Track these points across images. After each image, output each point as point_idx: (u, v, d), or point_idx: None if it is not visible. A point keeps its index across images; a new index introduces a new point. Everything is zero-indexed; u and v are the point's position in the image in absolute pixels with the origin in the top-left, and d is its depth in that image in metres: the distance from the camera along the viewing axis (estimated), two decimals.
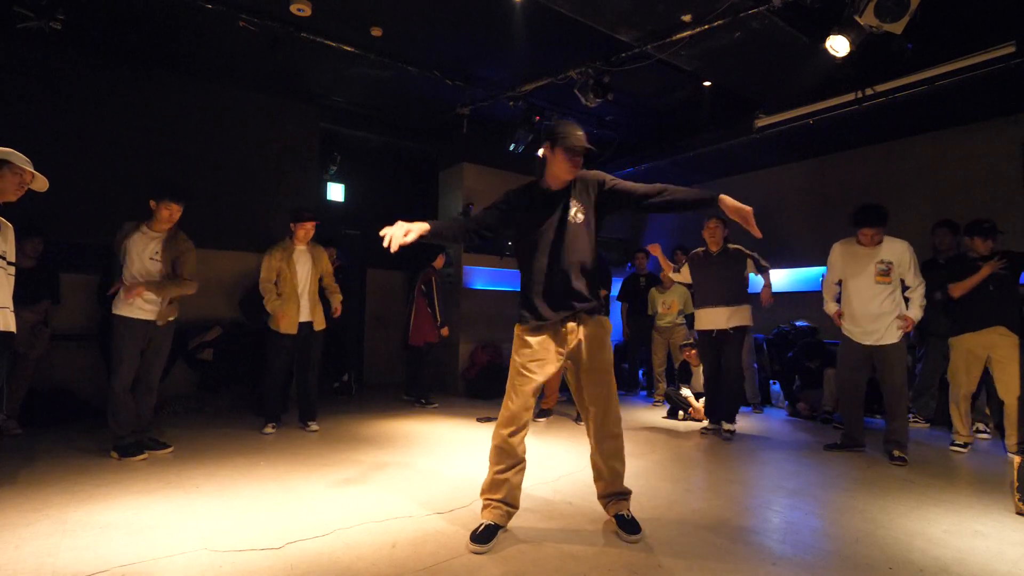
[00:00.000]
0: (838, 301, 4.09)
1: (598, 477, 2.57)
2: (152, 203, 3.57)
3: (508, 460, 2.43)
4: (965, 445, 4.14)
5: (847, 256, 3.99)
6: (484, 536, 2.30)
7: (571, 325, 2.44)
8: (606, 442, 2.49)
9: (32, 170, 2.61)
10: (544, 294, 2.42)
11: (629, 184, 2.46)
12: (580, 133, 2.38)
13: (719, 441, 4.44)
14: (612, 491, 2.54)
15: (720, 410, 4.59)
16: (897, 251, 3.84)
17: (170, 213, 3.58)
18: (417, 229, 2.30)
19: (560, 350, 2.43)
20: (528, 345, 2.40)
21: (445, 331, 5.76)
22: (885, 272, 3.84)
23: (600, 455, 2.51)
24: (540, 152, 2.51)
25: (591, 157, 2.45)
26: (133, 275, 3.53)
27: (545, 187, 2.48)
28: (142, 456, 3.47)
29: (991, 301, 3.99)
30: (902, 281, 3.87)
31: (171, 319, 3.69)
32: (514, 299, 7.34)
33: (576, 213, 2.44)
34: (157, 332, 3.62)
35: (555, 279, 2.42)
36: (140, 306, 3.53)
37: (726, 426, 4.51)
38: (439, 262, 5.94)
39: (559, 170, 2.42)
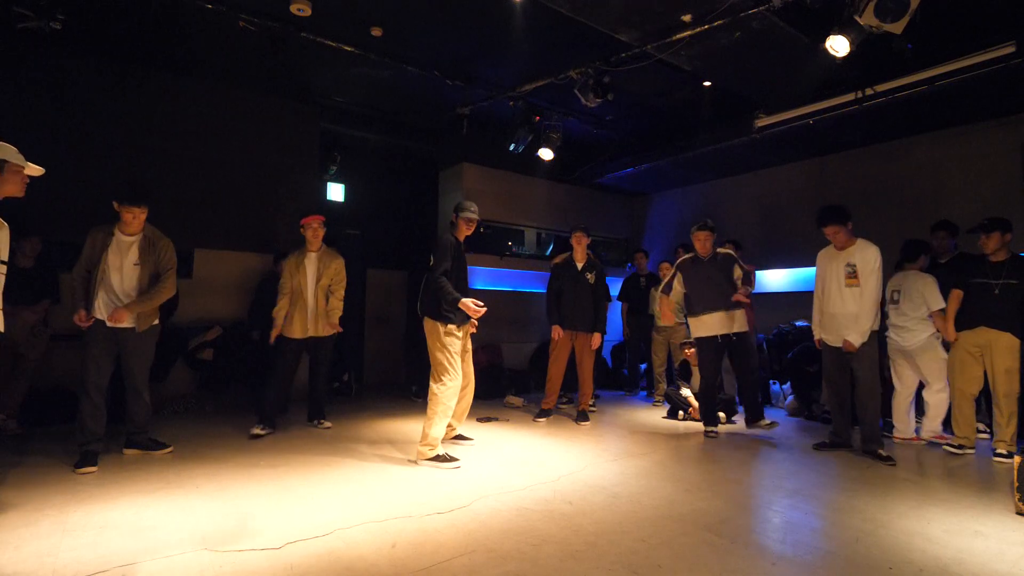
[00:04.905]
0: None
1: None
2: (115, 204, 3.43)
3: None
4: (960, 447, 4.03)
5: (825, 261, 4.12)
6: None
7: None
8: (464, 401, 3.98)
9: (23, 162, 2.60)
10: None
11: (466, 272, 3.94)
12: (473, 212, 3.87)
13: (719, 441, 4.45)
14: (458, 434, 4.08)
15: (749, 412, 4.72)
16: (863, 255, 3.90)
17: (133, 216, 3.45)
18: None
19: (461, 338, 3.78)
20: (456, 335, 3.71)
21: None
22: (852, 275, 3.93)
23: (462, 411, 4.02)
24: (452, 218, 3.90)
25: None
26: (112, 287, 3.43)
27: (457, 241, 3.87)
28: (92, 468, 3.22)
29: (992, 304, 3.94)
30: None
31: (154, 324, 3.61)
32: (515, 299, 7.38)
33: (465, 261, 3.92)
34: (133, 337, 3.50)
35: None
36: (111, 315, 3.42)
37: (764, 422, 4.64)
38: None
39: (462, 231, 3.86)
